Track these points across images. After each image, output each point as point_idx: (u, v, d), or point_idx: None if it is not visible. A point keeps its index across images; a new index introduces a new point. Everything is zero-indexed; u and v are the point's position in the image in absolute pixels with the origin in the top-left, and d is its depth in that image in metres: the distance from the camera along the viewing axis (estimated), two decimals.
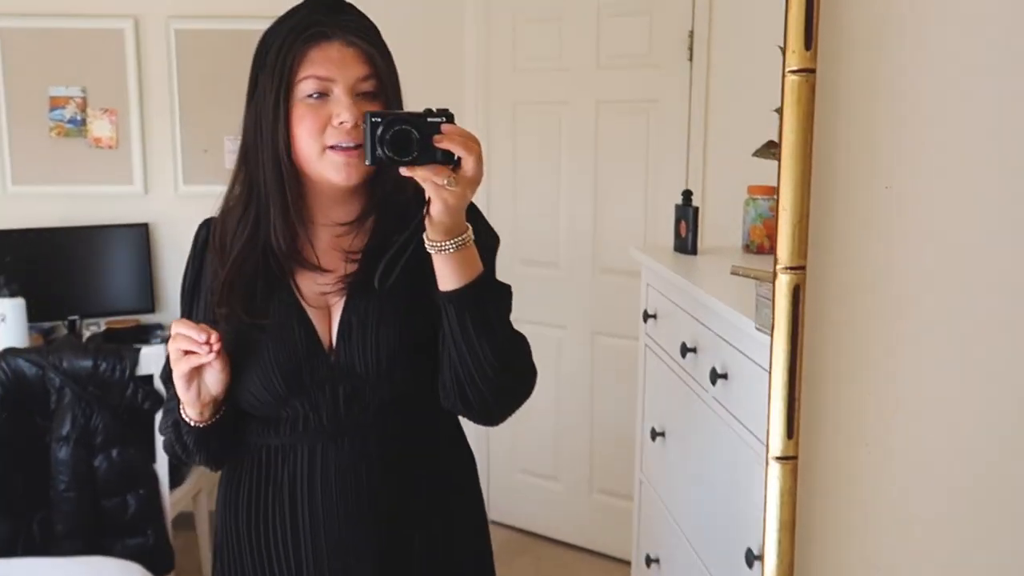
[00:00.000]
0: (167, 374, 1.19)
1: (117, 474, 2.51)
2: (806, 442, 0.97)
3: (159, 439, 2.56)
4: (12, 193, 3.19)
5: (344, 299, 1.22)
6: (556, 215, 3.12)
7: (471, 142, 1.06)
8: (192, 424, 1.21)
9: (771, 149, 1.76)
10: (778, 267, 0.94)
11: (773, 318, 0.94)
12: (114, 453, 2.50)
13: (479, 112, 3.18)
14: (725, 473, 1.58)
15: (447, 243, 1.10)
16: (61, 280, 3.11)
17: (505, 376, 1.17)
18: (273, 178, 1.18)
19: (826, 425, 0.98)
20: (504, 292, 1.20)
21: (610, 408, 3.04)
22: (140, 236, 3.18)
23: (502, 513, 3.29)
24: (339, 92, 1.15)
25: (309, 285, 1.22)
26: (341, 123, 1.14)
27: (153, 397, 2.54)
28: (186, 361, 1.14)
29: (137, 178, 3.22)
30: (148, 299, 3.19)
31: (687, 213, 2.06)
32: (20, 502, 2.46)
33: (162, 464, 2.60)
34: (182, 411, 1.21)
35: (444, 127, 1.06)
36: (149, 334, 3.03)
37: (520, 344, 1.22)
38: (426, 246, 1.11)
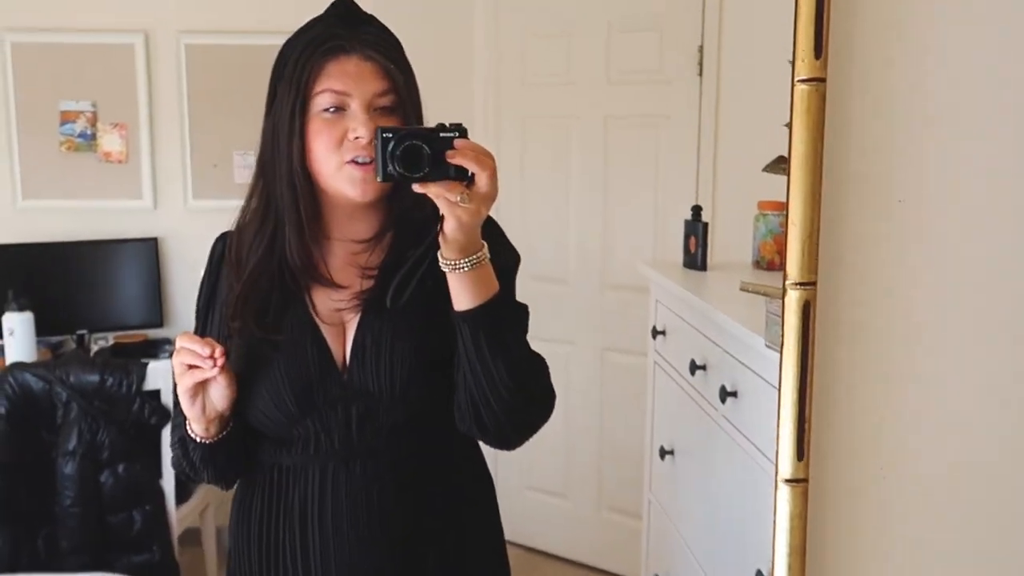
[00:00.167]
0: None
1: (123, 490, 2.50)
2: (817, 464, 0.94)
3: (166, 454, 2.56)
4: (22, 207, 3.20)
5: (359, 316, 1.20)
6: (565, 230, 3.10)
7: (485, 157, 1.03)
8: (198, 440, 1.19)
9: (781, 164, 1.74)
10: (788, 283, 0.92)
11: (783, 335, 0.92)
12: (120, 468, 2.49)
13: (489, 127, 3.18)
14: (735, 493, 1.55)
15: (461, 261, 1.07)
16: (70, 294, 3.11)
17: (521, 398, 1.15)
18: (288, 191, 1.17)
19: (838, 447, 0.96)
20: (521, 312, 1.18)
21: (619, 425, 3.01)
22: (149, 251, 3.18)
23: (510, 531, 3.21)
24: (356, 107, 1.13)
25: (324, 301, 1.21)
26: (357, 138, 1.12)
27: (160, 412, 2.54)
28: (190, 375, 1.12)
29: (147, 193, 3.22)
30: (157, 314, 3.18)
31: (697, 229, 2.05)
32: (25, 517, 2.45)
33: (168, 480, 2.60)
34: (188, 427, 1.19)
35: (457, 142, 1.03)
36: (158, 349, 3.03)
37: (537, 366, 1.19)
38: (440, 264, 1.09)
